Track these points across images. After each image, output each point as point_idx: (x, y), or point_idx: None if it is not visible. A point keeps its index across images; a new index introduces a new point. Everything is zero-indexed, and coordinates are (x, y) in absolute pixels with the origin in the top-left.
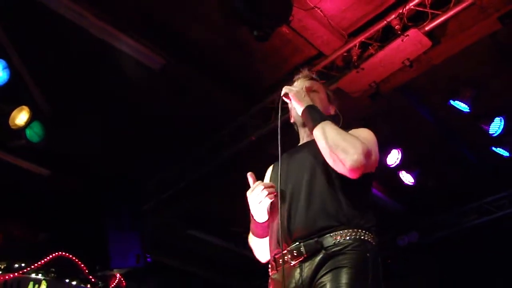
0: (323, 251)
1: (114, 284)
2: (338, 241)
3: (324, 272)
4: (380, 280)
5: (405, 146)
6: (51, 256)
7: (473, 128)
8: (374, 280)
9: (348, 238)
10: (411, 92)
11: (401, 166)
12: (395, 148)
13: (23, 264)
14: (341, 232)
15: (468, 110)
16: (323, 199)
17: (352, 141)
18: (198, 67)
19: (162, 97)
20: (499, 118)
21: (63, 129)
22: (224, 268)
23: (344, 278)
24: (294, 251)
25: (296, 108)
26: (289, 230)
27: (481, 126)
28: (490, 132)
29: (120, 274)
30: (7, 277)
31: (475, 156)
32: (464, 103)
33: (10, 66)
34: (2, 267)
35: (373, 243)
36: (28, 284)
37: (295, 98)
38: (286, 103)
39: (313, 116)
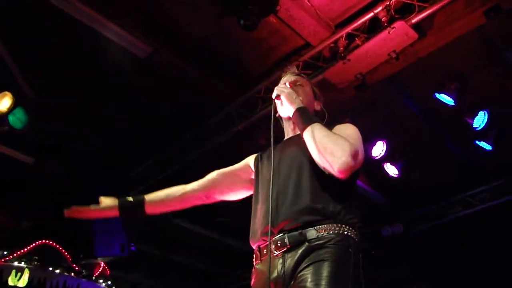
0: (306, 243)
1: (98, 272)
2: (322, 234)
3: (306, 264)
4: (361, 275)
5: (390, 138)
6: (34, 244)
7: (457, 121)
8: (354, 275)
9: (331, 232)
10: (397, 84)
11: (385, 158)
12: (380, 139)
13: (5, 252)
14: (325, 226)
15: (453, 104)
16: (310, 195)
17: (340, 143)
18: (186, 56)
19: (149, 86)
20: (483, 112)
21: (47, 116)
22: (209, 257)
23: (325, 272)
24: (278, 242)
25: (287, 109)
26: (275, 222)
27: (465, 119)
28: (474, 126)
29: (105, 263)
30: None
31: (460, 149)
32: (449, 96)
33: None
34: None
35: (356, 239)
36: (10, 272)
37: (287, 99)
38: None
39: (303, 118)
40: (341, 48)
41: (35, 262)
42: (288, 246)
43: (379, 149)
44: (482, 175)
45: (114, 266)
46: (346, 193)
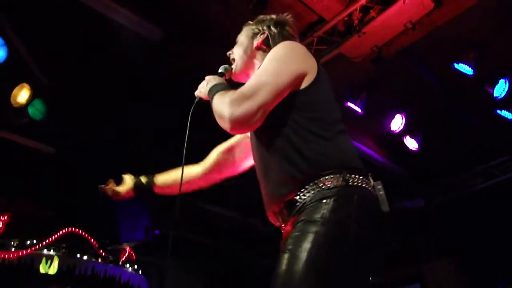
0: (291, 219)
1: (125, 257)
2: (300, 201)
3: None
4: (350, 232)
5: (408, 111)
6: (61, 232)
7: (477, 90)
8: (329, 231)
9: (305, 196)
10: (414, 55)
11: (405, 131)
12: (399, 113)
13: (34, 241)
14: (302, 191)
15: (472, 73)
16: (273, 169)
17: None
18: (197, 37)
19: (162, 69)
20: (504, 80)
21: (65, 105)
22: (233, 237)
23: (291, 240)
24: (281, 224)
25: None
26: (269, 209)
27: (485, 88)
28: (494, 95)
29: (130, 248)
30: (20, 253)
31: (480, 119)
32: (468, 66)
33: (8, 43)
34: (15, 244)
35: (337, 183)
36: (41, 260)
37: (204, 95)
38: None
39: (210, 96)
40: (356, 21)
41: (64, 250)
42: (283, 225)
43: (398, 123)
44: (504, 145)
45: (140, 251)
46: (303, 137)
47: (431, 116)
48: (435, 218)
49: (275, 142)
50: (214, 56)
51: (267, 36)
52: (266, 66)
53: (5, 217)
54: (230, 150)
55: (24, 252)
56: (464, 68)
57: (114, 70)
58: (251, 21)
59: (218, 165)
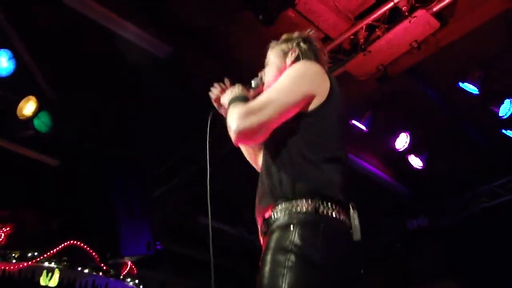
0: (266, 237)
1: (126, 271)
2: (273, 218)
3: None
4: (313, 260)
5: (413, 130)
6: (63, 244)
7: (482, 110)
8: (297, 259)
9: (278, 214)
10: (419, 74)
11: (409, 149)
12: (404, 131)
13: (36, 253)
14: (278, 207)
15: (477, 92)
16: (263, 180)
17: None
18: (205, 53)
19: (170, 85)
20: (509, 100)
21: (70, 118)
22: (236, 255)
23: (264, 261)
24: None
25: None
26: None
27: (491, 108)
28: (500, 114)
29: (131, 262)
30: (21, 265)
31: (485, 139)
32: (473, 85)
33: (16, 56)
34: (16, 255)
35: (306, 211)
36: (41, 273)
37: (224, 103)
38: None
39: (227, 106)
40: (362, 40)
41: (65, 263)
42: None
43: (402, 141)
44: (509, 164)
45: (141, 265)
46: (292, 158)
47: (436, 135)
48: (440, 238)
49: (269, 156)
50: (221, 74)
51: (298, 54)
52: (278, 84)
53: (8, 228)
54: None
55: (25, 264)
56: (470, 88)
57: (120, 84)
58: (276, 40)
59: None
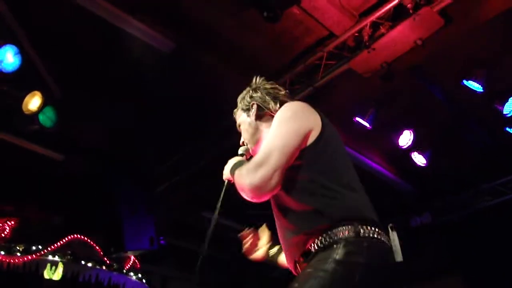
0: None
1: (129, 265)
2: (313, 251)
3: None
4: (353, 276)
5: (417, 127)
6: (66, 238)
7: (487, 108)
8: (338, 268)
9: (319, 244)
10: (423, 72)
11: (413, 147)
12: (407, 129)
13: (40, 247)
14: (315, 241)
15: (481, 90)
16: (289, 226)
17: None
18: (209, 49)
19: (173, 80)
20: None
21: (75, 113)
22: (239, 250)
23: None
24: None
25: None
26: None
27: (495, 106)
28: (504, 112)
29: (135, 256)
30: (25, 259)
31: (489, 137)
32: (477, 83)
33: (22, 51)
34: (21, 249)
35: (349, 236)
36: (45, 266)
37: (229, 177)
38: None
39: (232, 176)
40: (366, 37)
41: (68, 256)
42: None
43: (406, 138)
44: None
45: (144, 259)
46: (313, 191)
47: (439, 132)
48: (443, 235)
49: (289, 199)
50: (225, 70)
51: (257, 105)
52: (272, 132)
53: (12, 222)
54: None
55: (30, 257)
56: (474, 86)
57: (125, 80)
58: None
59: None
